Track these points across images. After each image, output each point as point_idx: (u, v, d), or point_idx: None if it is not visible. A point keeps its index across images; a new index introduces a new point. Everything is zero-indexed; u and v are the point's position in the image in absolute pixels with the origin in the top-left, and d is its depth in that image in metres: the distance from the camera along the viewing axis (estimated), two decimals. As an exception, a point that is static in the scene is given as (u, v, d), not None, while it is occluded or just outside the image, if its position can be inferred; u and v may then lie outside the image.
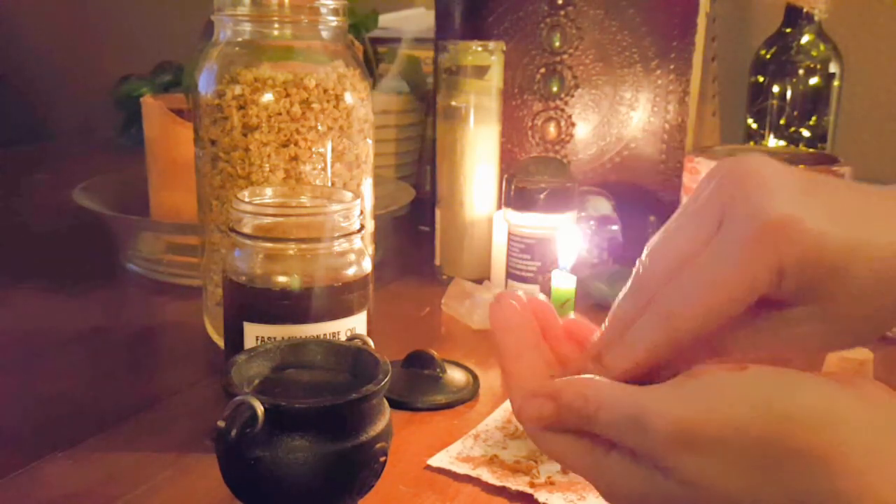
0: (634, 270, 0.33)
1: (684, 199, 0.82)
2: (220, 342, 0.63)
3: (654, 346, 0.31)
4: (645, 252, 0.33)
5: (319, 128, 0.60)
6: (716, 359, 0.31)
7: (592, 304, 0.79)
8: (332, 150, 0.61)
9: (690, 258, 0.31)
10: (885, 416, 0.28)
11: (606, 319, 0.34)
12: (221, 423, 0.39)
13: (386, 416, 0.43)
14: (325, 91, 0.60)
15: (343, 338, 0.51)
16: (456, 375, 0.63)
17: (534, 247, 0.68)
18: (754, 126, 1.07)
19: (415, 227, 1.05)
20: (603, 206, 0.88)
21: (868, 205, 0.30)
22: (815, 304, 0.30)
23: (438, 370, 0.63)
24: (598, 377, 0.32)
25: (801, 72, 1.03)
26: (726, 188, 0.30)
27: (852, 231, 0.29)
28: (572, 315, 0.38)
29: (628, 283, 0.33)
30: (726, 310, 0.30)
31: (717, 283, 0.29)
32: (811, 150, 0.97)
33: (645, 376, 0.32)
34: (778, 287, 0.29)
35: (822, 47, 1.04)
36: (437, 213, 0.87)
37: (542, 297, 0.38)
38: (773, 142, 1.05)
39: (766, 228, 0.29)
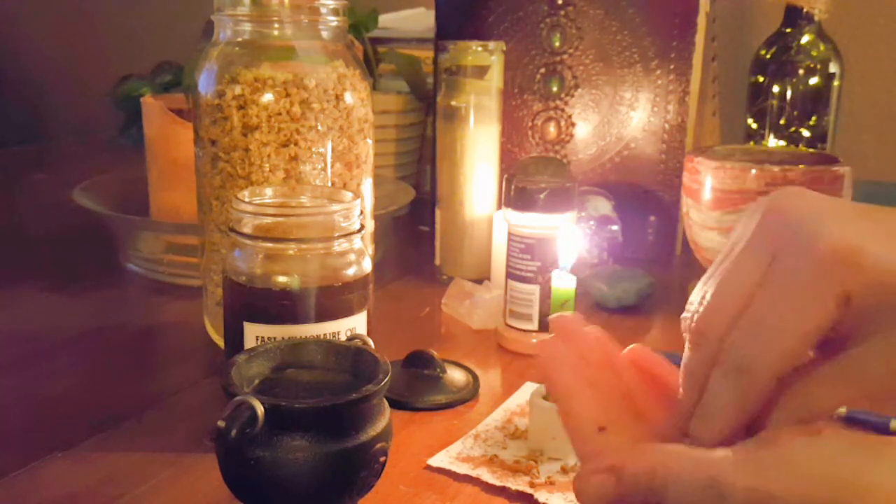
0: (686, 320, 0.32)
1: (684, 199, 0.82)
2: (220, 342, 0.63)
3: (736, 407, 0.30)
4: (694, 300, 0.32)
5: (319, 128, 0.60)
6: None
7: (592, 303, 0.79)
8: (332, 150, 0.61)
9: (748, 301, 0.30)
10: None
11: (680, 381, 0.32)
12: (221, 423, 0.39)
13: (386, 416, 0.43)
14: (325, 91, 0.60)
15: (343, 338, 0.51)
16: (456, 375, 0.63)
17: (534, 247, 0.68)
18: (754, 126, 1.07)
19: (415, 227, 1.05)
20: (603, 206, 0.88)
21: None
22: (884, 335, 0.28)
23: (438, 370, 0.63)
24: (660, 444, 0.30)
25: (801, 72, 1.03)
26: (773, 223, 0.30)
27: None
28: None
29: (687, 335, 0.32)
30: (799, 350, 0.29)
31: (786, 323, 0.28)
32: (811, 150, 0.97)
33: (736, 437, 0.30)
34: (841, 318, 0.28)
35: (822, 47, 1.04)
36: (437, 213, 0.87)
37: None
38: (773, 142, 1.05)
39: (827, 257, 0.28)
